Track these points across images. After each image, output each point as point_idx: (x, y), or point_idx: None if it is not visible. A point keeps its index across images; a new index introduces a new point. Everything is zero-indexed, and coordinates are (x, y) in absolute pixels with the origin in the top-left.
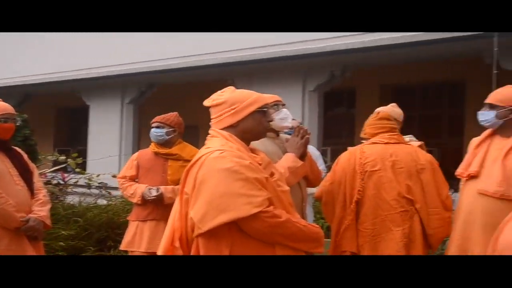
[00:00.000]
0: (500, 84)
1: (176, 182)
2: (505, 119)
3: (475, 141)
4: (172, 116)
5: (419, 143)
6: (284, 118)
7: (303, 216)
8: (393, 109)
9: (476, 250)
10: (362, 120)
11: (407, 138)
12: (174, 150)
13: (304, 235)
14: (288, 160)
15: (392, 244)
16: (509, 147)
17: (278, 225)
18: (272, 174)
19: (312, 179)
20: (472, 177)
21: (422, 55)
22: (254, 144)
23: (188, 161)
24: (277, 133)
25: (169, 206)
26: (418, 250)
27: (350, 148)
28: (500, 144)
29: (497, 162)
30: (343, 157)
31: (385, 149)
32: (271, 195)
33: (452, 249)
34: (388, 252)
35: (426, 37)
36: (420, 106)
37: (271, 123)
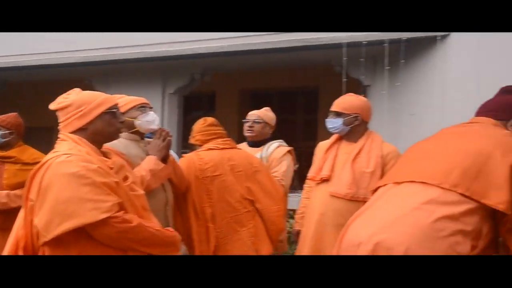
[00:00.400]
0: (348, 91)
1: (13, 187)
2: (352, 125)
3: (323, 145)
4: (9, 117)
5: (288, 148)
6: (151, 120)
7: (166, 219)
8: (266, 113)
9: (329, 249)
10: (222, 124)
11: (276, 143)
12: (11, 152)
13: (157, 240)
14: (150, 162)
15: (239, 245)
16: (356, 151)
17: (128, 230)
18: (125, 178)
19: (176, 182)
20: (324, 180)
21: (278, 62)
22: (116, 146)
23: (28, 164)
24: (141, 135)
25: (12, 213)
26: (265, 248)
27: (186, 155)
28: (347, 148)
29: (346, 166)
30: (182, 164)
31: (222, 154)
32: (122, 200)
33: (306, 250)
34: (236, 252)
35: (282, 44)
36: (277, 111)
37: (137, 124)
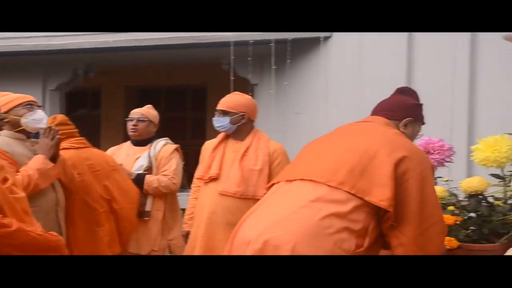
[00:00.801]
0: (236, 89)
1: None
2: (238, 124)
3: (209, 144)
4: None
5: (175, 146)
6: (39, 119)
7: (57, 220)
8: (149, 111)
9: (220, 248)
10: (108, 121)
11: (163, 141)
12: None
13: (38, 244)
14: (38, 161)
15: (95, 245)
16: (244, 149)
17: (6, 235)
18: (5, 180)
19: (65, 182)
20: (213, 179)
21: (166, 58)
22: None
23: None
24: (27, 134)
25: None
26: (116, 247)
27: None
28: (235, 147)
29: (234, 164)
30: None
31: (79, 153)
32: (1, 203)
33: (197, 249)
34: (91, 252)
35: (170, 41)
36: (165, 108)
37: (23, 123)
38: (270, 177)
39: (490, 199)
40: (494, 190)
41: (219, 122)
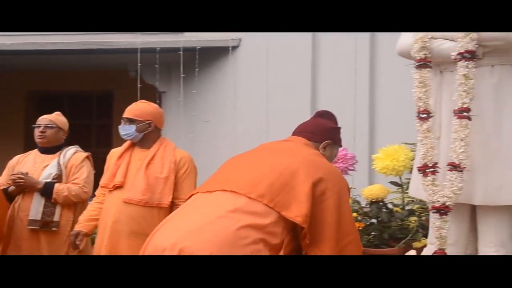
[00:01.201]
0: (143, 97)
1: None
2: (145, 132)
3: (115, 152)
4: None
5: (85, 154)
6: None
7: None
8: (58, 118)
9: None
10: (6, 127)
11: (73, 148)
12: None
13: None
14: None
15: None
16: (150, 157)
17: None
18: None
19: None
20: (117, 187)
21: (71, 64)
22: None
23: None
24: None
25: None
26: None
27: None
28: (140, 155)
29: (140, 172)
30: None
31: None
32: None
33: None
34: None
35: (75, 46)
36: (69, 115)
37: None
38: (176, 185)
39: (390, 206)
40: (393, 197)
41: (125, 130)
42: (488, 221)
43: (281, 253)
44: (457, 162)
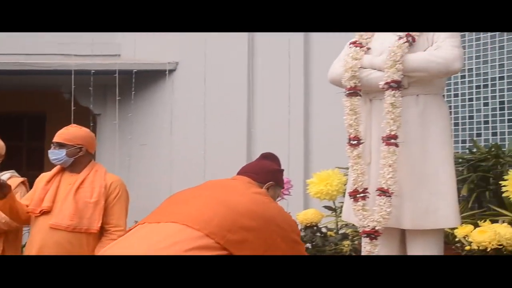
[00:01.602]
0: (77, 119)
1: None
2: (75, 156)
3: (44, 177)
4: None
5: (21, 179)
6: None
7: None
8: None
9: None
10: None
11: (8, 173)
12: None
13: None
14: None
15: None
16: (79, 182)
17: None
18: None
19: None
20: (45, 212)
21: (3, 84)
22: None
23: None
24: None
25: None
26: None
27: None
28: (70, 179)
29: (68, 197)
30: None
31: None
32: None
33: None
34: None
35: (7, 66)
36: None
37: None
38: (106, 210)
39: (324, 230)
40: (327, 221)
41: (55, 154)
42: (416, 244)
43: None
44: (385, 188)
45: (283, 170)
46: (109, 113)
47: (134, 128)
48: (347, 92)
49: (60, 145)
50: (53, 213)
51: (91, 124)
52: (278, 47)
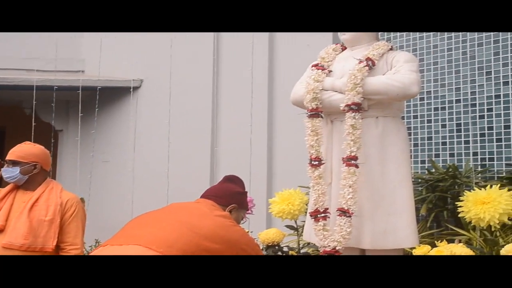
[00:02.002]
0: (38, 135)
1: None
2: (30, 174)
3: None
4: None
5: None
6: None
7: None
8: None
9: None
10: None
11: None
12: None
13: None
14: None
15: None
16: (34, 200)
17: None
18: None
19: None
20: None
21: None
22: None
23: None
24: None
25: None
26: None
27: None
28: (24, 197)
29: (22, 215)
30: None
31: None
32: None
33: None
34: None
35: None
36: None
37: None
38: (62, 228)
39: (286, 249)
40: (290, 240)
41: (9, 173)
42: None
43: None
44: (346, 208)
45: (246, 192)
46: (71, 130)
47: (97, 145)
48: (309, 113)
49: (14, 163)
50: (6, 232)
51: (53, 141)
52: (243, 66)
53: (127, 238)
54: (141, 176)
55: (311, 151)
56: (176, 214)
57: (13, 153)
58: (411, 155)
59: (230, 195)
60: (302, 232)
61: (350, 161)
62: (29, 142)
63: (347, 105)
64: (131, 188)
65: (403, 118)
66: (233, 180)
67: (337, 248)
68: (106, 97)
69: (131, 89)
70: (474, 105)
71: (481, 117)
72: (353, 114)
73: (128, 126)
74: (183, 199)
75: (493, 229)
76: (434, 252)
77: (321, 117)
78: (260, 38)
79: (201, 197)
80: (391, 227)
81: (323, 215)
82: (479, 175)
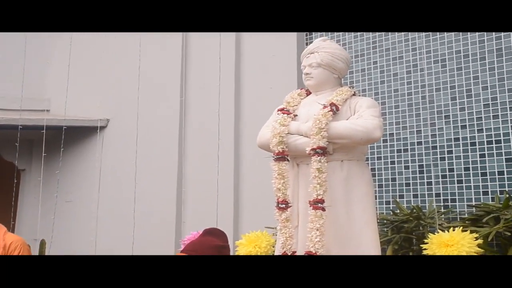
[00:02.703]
0: (2, 174)
1: None
2: None
3: None
4: None
5: None
6: None
7: None
8: None
9: None
10: None
11: None
12: None
13: None
14: None
15: None
16: None
17: None
18: None
19: None
20: None
21: None
22: None
23: None
24: None
25: None
26: None
27: None
28: None
29: None
30: None
31: None
32: None
33: None
34: None
35: None
36: None
37: None
38: None
39: None
40: None
41: None
42: None
43: None
44: (313, 251)
45: (228, 246)
46: (34, 169)
47: (61, 185)
48: (275, 156)
49: None
50: None
51: (15, 181)
52: (209, 104)
53: None
54: (105, 216)
55: (278, 194)
56: None
57: None
58: (376, 196)
59: (211, 250)
60: None
61: (317, 204)
62: None
63: (312, 149)
64: (95, 229)
65: (367, 159)
66: (212, 233)
67: None
68: (71, 137)
69: (98, 129)
70: (435, 147)
71: (442, 159)
72: (319, 157)
73: (93, 166)
74: (149, 240)
75: None
76: None
77: (287, 160)
78: (227, 80)
79: (181, 252)
80: None
81: None
82: (442, 216)
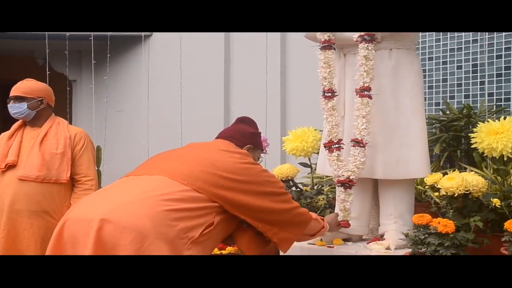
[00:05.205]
0: (52, 85)
1: None
2: (37, 109)
3: (5, 135)
4: None
5: None
6: None
7: None
8: None
9: (26, 235)
10: None
11: None
12: None
13: None
14: None
15: None
16: (43, 135)
17: None
18: None
19: None
20: (10, 166)
21: None
22: None
23: None
24: None
25: None
26: None
27: None
28: (33, 133)
29: (34, 149)
30: None
31: None
32: None
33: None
34: None
35: None
36: None
37: None
38: (74, 161)
39: (300, 185)
40: (303, 180)
41: (16, 108)
42: (388, 194)
43: (211, 228)
44: (359, 138)
45: (260, 132)
46: (85, 79)
47: (110, 94)
48: (321, 45)
49: (20, 98)
50: (19, 166)
51: (68, 89)
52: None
53: (150, 170)
54: (155, 121)
55: (324, 83)
56: (196, 151)
57: (18, 89)
58: (425, 97)
59: (245, 136)
60: (315, 170)
61: (364, 92)
62: (30, 79)
63: (360, 36)
64: (146, 134)
65: (416, 52)
66: (245, 121)
67: (351, 177)
68: (118, 46)
69: (142, 37)
70: (491, 45)
71: (498, 57)
72: (366, 45)
73: (141, 74)
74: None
75: (505, 159)
76: (445, 179)
77: (334, 49)
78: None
79: (217, 137)
80: (404, 157)
81: (337, 145)
82: (494, 115)
